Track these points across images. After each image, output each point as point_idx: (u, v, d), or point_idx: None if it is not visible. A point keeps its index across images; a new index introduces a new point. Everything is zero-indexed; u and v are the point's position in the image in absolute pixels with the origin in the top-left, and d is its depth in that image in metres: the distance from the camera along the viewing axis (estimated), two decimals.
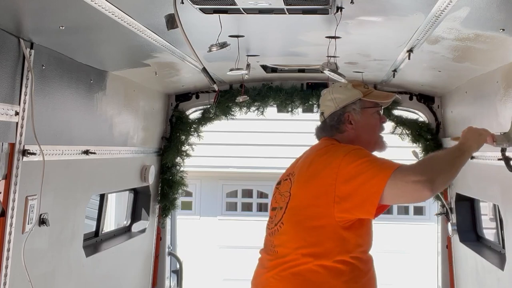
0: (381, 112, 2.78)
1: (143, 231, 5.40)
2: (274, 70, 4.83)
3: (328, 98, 2.76)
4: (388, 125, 5.47)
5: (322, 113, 2.80)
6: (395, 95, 2.85)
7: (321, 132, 2.78)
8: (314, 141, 2.82)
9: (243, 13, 2.61)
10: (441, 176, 2.36)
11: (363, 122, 2.70)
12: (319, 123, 2.83)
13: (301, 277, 2.48)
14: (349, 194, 2.39)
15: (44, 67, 3.20)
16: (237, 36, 3.27)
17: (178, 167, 5.67)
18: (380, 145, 2.77)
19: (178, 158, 5.63)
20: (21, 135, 3.05)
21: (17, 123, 3.01)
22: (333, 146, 2.60)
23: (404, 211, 14.62)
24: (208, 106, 5.59)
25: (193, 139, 5.69)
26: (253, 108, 5.52)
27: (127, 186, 5.11)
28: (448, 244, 5.38)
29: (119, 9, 2.62)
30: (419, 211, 14.46)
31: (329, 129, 2.73)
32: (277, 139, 13.72)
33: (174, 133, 5.60)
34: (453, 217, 5.16)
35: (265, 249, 2.70)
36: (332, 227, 2.45)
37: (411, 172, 2.33)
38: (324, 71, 3.34)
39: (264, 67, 4.68)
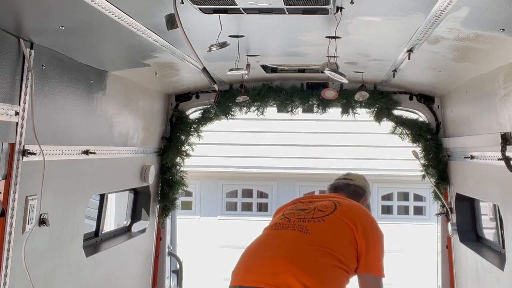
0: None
1: (143, 231, 5.40)
2: (274, 70, 4.82)
3: (361, 178, 3.81)
4: (388, 125, 5.49)
5: (351, 179, 3.75)
6: None
7: (349, 192, 3.67)
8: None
9: (243, 13, 2.61)
10: None
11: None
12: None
13: None
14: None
15: (44, 67, 3.20)
16: (237, 36, 3.27)
17: (178, 167, 5.66)
18: None
19: (178, 158, 5.63)
20: (21, 135, 3.04)
21: (17, 123, 3.01)
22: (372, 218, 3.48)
23: (404, 211, 14.62)
24: (208, 106, 5.58)
25: (193, 139, 5.69)
26: (253, 108, 5.52)
27: (127, 186, 5.11)
28: (448, 244, 5.38)
29: (119, 9, 2.62)
30: (419, 211, 14.46)
31: (355, 194, 3.68)
32: (277, 139, 13.72)
33: (174, 133, 5.60)
34: (453, 217, 5.16)
35: None
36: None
37: None
38: (325, 71, 3.35)
39: (264, 67, 4.68)
